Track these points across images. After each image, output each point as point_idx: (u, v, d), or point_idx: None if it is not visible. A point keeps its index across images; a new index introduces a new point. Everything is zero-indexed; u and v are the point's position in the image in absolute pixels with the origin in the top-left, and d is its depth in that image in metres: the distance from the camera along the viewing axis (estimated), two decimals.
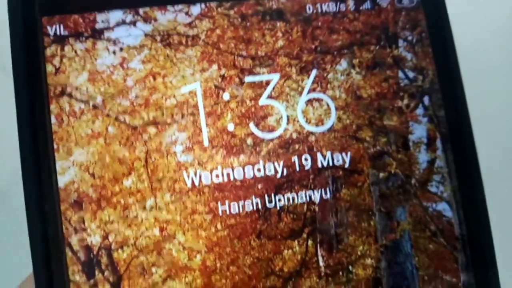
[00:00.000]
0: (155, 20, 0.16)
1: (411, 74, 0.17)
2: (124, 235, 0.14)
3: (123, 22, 0.15)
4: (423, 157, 0.17)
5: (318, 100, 0.16)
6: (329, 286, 0.16)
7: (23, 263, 0.14)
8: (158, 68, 0.15)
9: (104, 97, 0.15)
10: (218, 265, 0.15)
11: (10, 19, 0.14)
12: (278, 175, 0.16)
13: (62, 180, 0.14)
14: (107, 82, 0.15)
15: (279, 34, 0.16)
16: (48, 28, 0.15)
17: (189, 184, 0.15)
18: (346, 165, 0.16)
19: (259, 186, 0.16)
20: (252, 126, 0.16)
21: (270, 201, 0.16)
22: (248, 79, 0.16)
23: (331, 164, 0.16)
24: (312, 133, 0.16)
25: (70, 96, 0.15)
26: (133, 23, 0.15)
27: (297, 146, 0.16)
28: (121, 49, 0.15)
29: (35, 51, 0.14)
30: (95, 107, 0.15)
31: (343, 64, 0.17)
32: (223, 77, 0.16)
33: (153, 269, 0.15)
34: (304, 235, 0.16)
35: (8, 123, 0.15)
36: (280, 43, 0.16)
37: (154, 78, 0.15)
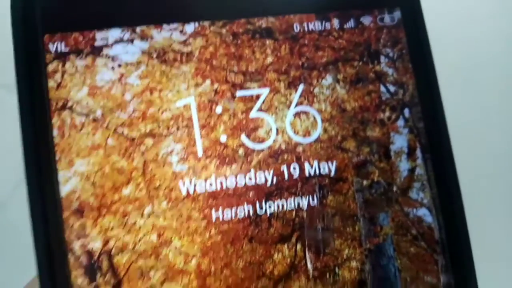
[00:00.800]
0: (151, 38, 0.16)
1: (392, 88, 0.18)
2: (123, 241, 0.15)
3: (121, 40, 0.16)
4: (404, 165, 0.17)
5: (305, 112, 0.17)
6: (317, 287, 0.16)
7: (23, 269, 0.14)
8: (155, 83, 0.16)
9: (103, 111, 0.16)
10: (212, 268, 0.16)
11: (14, 37, 0.15)
12: (268, 184, 0.17)
13: (64, 190, 0.15)
14: (106, 96, 0.16)
15: (268, 51, 0.17)
16: (50, 45, 0.15)
17: (184, 192, 0.16)
18: (332, 174, 0.17)
19: (251, 194, 0.16)
20: (243, 138, 0.17)
21: (261, 208, 0.16)
22: (239, 93, 0.17)
23: (317, 173, 0.17)
24: (299, 143, 0.17)
25: (71, 109, 0.15)
26: (131, 41, 0.16)
27: (285, 156, 0.17)
28: (119, 66, 0.16)
29: (38, 67, 0.15)
30: (95, 120, 0.16)
31: (328, 79, 0.18)
32: (216, 91, 0.17)
33: (151, 273, 0.15)
34: (293, 240, 0.16)
35: (11, 136, 0.15)
36: (269, 59, 0.17)
37: (151, 93, 0.16)
